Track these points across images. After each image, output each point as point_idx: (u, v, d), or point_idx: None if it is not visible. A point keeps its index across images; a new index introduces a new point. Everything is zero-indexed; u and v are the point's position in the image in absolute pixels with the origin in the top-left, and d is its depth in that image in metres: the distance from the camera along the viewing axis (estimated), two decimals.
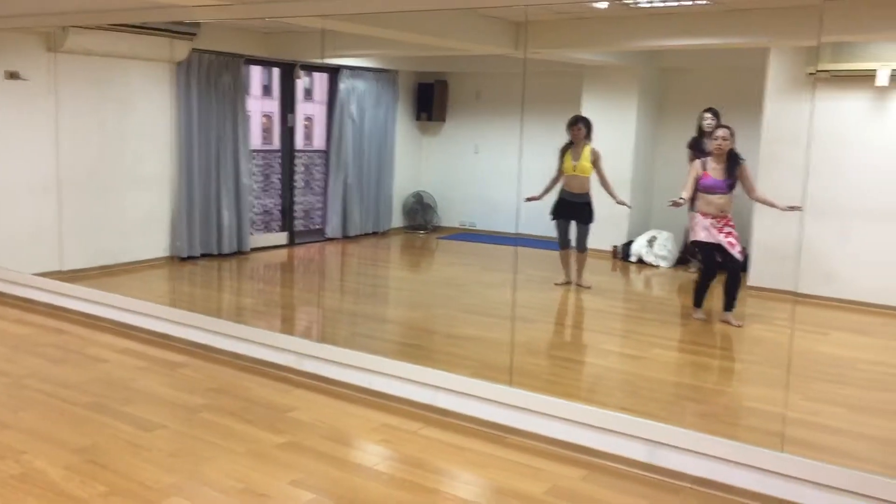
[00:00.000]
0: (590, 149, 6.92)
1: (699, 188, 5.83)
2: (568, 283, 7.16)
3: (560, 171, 7.00)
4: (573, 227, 7.07)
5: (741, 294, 6.04)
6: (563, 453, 3.59)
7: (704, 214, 5.85)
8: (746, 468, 3.20)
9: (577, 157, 6.90)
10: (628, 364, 5.19)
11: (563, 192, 7.05)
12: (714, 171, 5.81)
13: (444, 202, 10.45)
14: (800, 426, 3.90)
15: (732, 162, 5.81)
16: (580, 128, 6.92)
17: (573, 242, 7.10)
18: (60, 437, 3.61)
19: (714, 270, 5.90)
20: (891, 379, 4.90)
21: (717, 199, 5.81)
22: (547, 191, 7.01)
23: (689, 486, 3.29)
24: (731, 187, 5.82)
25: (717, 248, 5.81)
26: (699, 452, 3.31)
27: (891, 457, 3.70)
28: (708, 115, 7.56)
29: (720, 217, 5.82)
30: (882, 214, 6.69)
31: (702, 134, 7.63)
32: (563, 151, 6.97)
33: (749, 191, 5.91)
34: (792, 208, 5.28)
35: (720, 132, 5.83)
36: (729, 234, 5.81)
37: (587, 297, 6.96)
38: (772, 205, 5.76)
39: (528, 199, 6.73)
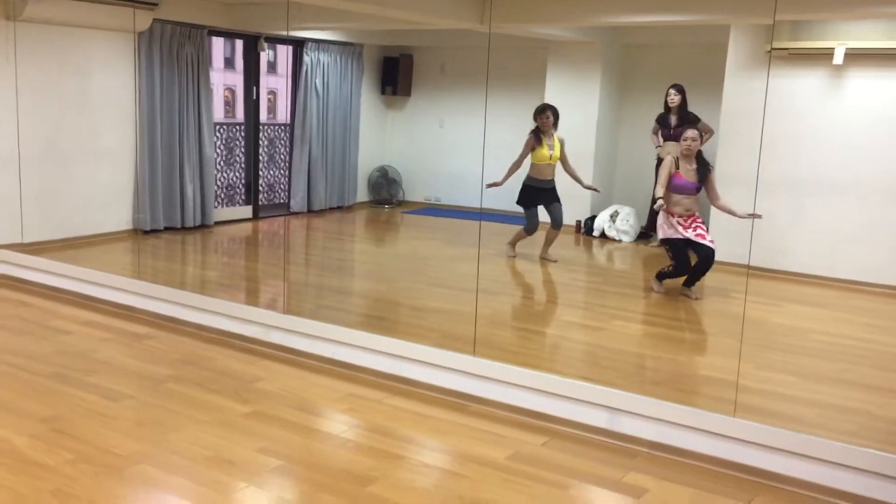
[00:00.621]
0: (558, 138, 7.02)
1: (670, 187, 5.92)
2: (513, 256, 7.30)
3: (520, 158, 7.02)
4: (540, 210, 7.16)
5: None
6: (524, 420, 3.68)
7: (671, 213, 5.97)
8: (700, 432, 3.32)
9: (552, 147, 6.98)
10: (590, 335, 5.30)
11: (532, 179, 7.08)
12: (686, 171, 5.92)
13: (409, 177, 10.47)
14: (752, 393, 4.04)
15: (703, 167, 5.97)
16: (548, 115, 6.97)
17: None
18: (25, 408, 3.61)
19: (687, 266, 5.99)
20: (841, 349, 5.06)
21: (685, 199, 5.94)
22: (507, 177, 6.98)
23: (646, 450, 3.41)
24: (698, 190, 5.97)
25: (687, 241, 5.94)
26: (655, 418, 3.43)
27: (838, 422, 3.84)
28: (672, 90, 7.76)
29: (686, 216, 5.95)
30: (836, 190, 6.87)
31: (668, 109, 7.80)
32: (538, 141, 6.97)
33: (713, 199, 6.05)
34: (751, 216, 5.38)
35: (689, 133, 5.94)
36: (697, 227, 5.95)
37: (551, 270, 7.06)
38: (732, 213, 5.91)
39: (490, 186, 6.65)
